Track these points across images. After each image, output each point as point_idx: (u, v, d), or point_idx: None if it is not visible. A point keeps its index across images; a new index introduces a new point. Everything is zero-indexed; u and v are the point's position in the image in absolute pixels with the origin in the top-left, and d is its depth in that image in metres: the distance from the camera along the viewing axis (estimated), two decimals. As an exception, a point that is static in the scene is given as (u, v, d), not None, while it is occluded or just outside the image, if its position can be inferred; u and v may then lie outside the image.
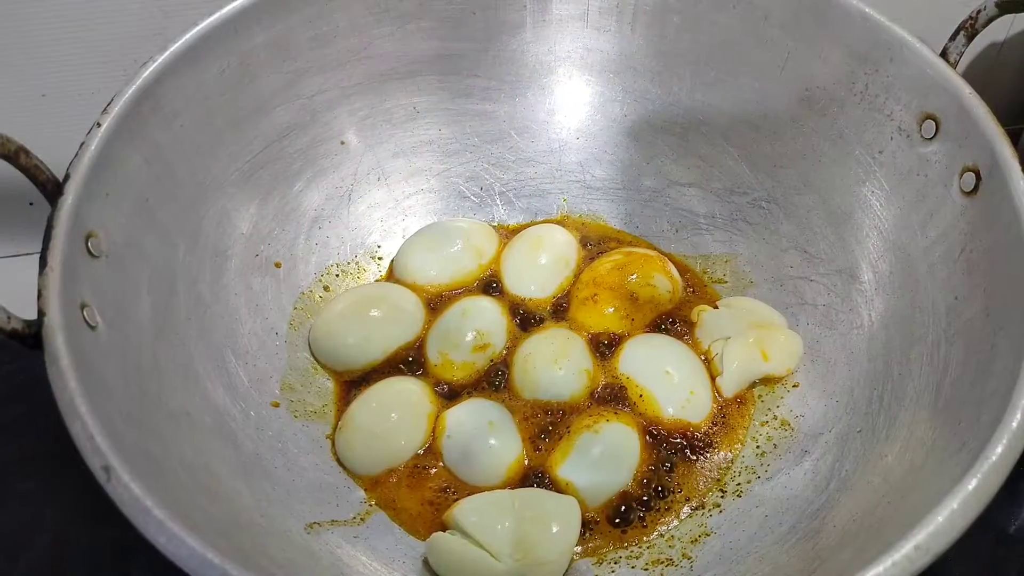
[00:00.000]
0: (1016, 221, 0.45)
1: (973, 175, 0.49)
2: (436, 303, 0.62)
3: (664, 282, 0.61)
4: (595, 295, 0.60)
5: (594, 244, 0.66)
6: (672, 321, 0.61)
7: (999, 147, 0.47)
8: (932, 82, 0.52)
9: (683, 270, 0.64)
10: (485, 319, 0.59)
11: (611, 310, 0.60)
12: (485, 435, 0.54)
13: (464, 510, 0.49)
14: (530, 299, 0.62)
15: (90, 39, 0.66)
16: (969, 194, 0.49)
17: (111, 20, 0.65)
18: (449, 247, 0.64)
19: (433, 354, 0.59)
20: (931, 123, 0.52)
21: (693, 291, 0.64)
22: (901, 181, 0.55)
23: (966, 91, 0.50)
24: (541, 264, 0.63)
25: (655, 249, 0.66)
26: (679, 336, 0.60)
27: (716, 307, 0.61)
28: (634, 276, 0.60)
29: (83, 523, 0.57)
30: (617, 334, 0.60)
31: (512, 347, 0.59)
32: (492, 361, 0.59)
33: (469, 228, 0.65)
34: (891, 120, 0.55)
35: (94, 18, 0.65)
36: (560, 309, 0.62)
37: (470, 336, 0.58)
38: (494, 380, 0.58)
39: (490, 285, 0.63)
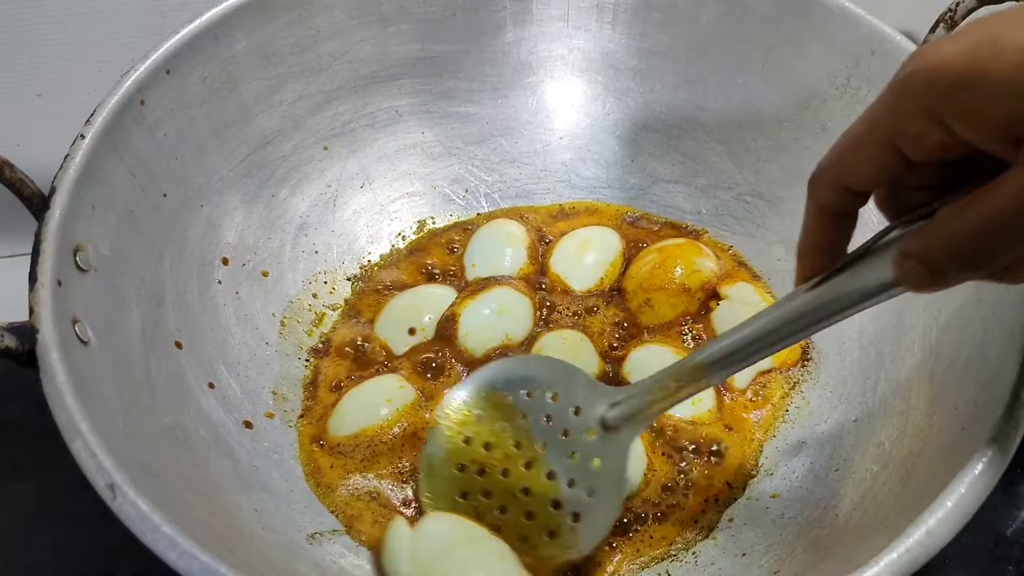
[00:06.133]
0: (1003, 208, 0.46)
1: (957, 164, 0.50)
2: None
3: (707, 263, 0.61)
4: (648, 300, 0.60)
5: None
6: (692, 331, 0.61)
7: (983, 136, 0.48)
8: (913, 74, 0.53)
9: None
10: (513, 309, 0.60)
11: (669, 307, 0.60)
12: None
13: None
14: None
15: (87, 39, 0.65)
16: (954, 183, 0.50)
17: (109, 20, 0.64)
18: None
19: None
20: (914, 114, 0.53)
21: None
22: (885, 172, 0.55)
23: (948, 82, 0.51)
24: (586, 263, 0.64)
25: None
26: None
27: (722, 296, 0.61)
28: (679, 270, 0.60)
29: (80, 524, 0.56)
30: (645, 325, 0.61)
31: (533, 338, 0.59)
32: (508, 338, 0.59)
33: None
34: (874, 112, 0.56)
35: (92, 18, 0.64)
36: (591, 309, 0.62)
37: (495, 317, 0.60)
38: None
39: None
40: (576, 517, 0.46)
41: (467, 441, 0.50)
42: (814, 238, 0.39)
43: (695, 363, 0.43)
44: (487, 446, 0.49)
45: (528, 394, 0.49)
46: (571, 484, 0.47)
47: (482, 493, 0.48)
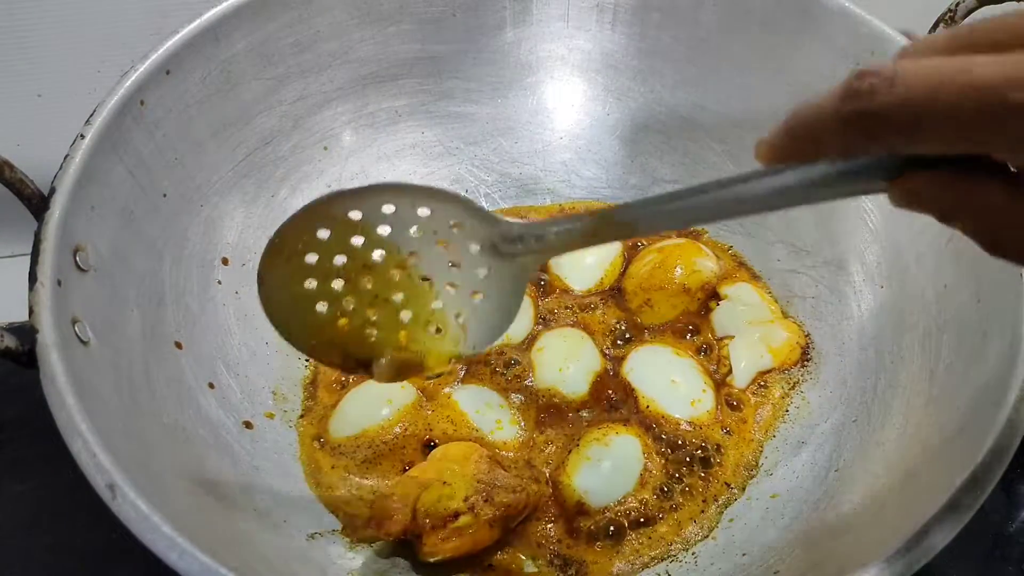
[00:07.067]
0: (1003, 208, 0.46)
1: (958, 164, 0.50)
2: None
3: (707, 263, 0.61)
4: (648, 300, 0.60)
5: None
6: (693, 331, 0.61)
7: (983, 136, 0.48)
8: (913, 74, 0.53)
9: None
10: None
11: (669, 307, 0.60)
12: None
13: None
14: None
15: (86, 39, 0.65)
16: (954, 183, 0.50)
17: (108, 20, 0.64)
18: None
19: None
20: (914, 114, 0.53)
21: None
22: (885, 172, 0.55)
23: (948, 82, 0.51)
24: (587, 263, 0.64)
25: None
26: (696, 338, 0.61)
27: (722, 296, 0.62)
28: (679, 269, 0.60)
29: (80, 524, 0.56)
30: (646, 325, 0.61)
31: (533, 337, 0.60)
32: (508, 338, 0.59)
33: None
34: (874, 112, 0.56)
35: (92, 18, 0.64)
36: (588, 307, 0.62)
37: None
38: (510, 365, 0.58)
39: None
40: (460, 316, 0.43)
41: (312, 258, 0.42)
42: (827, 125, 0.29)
43: (622, 221, 0.37)
44: (340, 263, 0.42)
45: (388, 210, 0.41)
46: (452, 285, 0.43)
47: (343, 305, 0.43)
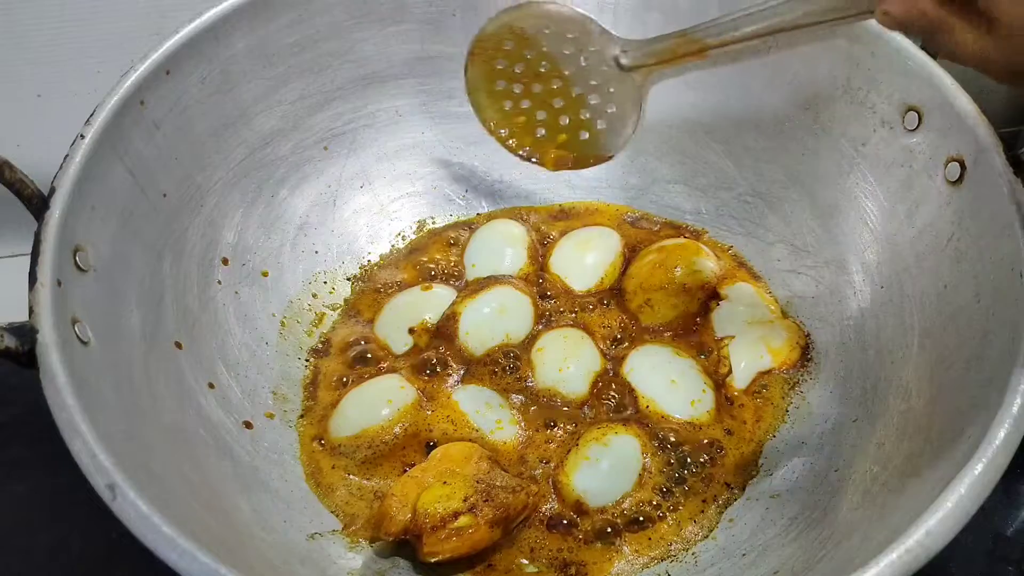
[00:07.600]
0: (1003, 209, 0.46)
1: (958, 165, 0.50)
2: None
3: (707, 263, 0.61)
4: (648, 300, 0.61)
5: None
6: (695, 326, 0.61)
7: (983, 137, 0.48)
8: (914, 74, 0.53)
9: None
10: (514, 308, 0.61)
11: (669, 307, 0.60)
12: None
13: None
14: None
15: (86, 39, 0.65)
16: (954, 183, 0.50)
17: (108, 20, 0.65)
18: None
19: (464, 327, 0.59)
20: (914, 115, 0.53)
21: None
22: (885, 173, 0.56)
23: (948, 82, 0.51)
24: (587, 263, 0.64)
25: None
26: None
27: (722, 296, 0.62)
28: (679, 269, 0.61)
29: (80, 524, 0.57)
30: (645, 325, 0.61)
31: (533, 337, 0.60)
32: (508, 338, 0.59)
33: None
34: (874, 113, 0.56)
35: (91, 18, 0.64)
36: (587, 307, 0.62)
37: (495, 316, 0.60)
38: (510, 366, 0.59)
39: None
40: (599, 122, 0.54)
41: (502, 64, 0.54)
42: None
43: (694, 38, 0.50)
44: (520, 68, 0.54)
45: (547, 29, 0.54)
46: (594, 97, 0.54)
47: (522, 104, 0.55)
